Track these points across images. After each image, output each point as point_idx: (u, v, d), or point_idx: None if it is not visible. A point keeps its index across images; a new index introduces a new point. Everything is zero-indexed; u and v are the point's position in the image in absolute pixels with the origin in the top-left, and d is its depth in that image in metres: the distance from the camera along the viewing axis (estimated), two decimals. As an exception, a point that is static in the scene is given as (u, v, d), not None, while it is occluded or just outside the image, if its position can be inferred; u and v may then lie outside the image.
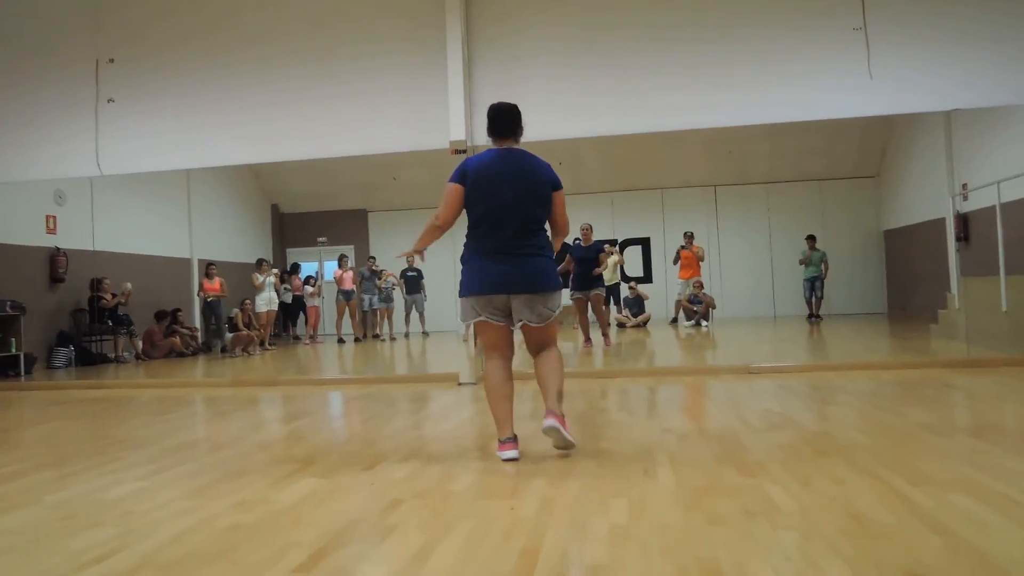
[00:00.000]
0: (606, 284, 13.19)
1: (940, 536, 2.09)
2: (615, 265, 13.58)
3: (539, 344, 3.45)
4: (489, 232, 3.31)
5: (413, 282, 13.37)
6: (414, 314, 13.53)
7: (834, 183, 14.71)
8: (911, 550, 2.00)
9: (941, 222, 11.21)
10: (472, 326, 3.65)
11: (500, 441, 3.31)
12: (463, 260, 3.44)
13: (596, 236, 9.50)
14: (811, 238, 13.20)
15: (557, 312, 3.41)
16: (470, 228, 3.40)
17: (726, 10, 6.46)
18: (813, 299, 12.99)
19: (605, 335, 9.16)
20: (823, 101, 6.33)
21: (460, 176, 3.35)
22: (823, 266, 13.03)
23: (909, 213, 12.96)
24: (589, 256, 8.83)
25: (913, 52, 6.17)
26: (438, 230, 3.41)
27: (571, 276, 8.86)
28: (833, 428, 3.72)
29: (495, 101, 3.54)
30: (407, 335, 13.67)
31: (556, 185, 3.39)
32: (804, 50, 6.33)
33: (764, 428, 3.78)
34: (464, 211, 3.38)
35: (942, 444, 3.27)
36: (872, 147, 14.17)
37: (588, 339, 9.02)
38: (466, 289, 3.38)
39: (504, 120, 3.42)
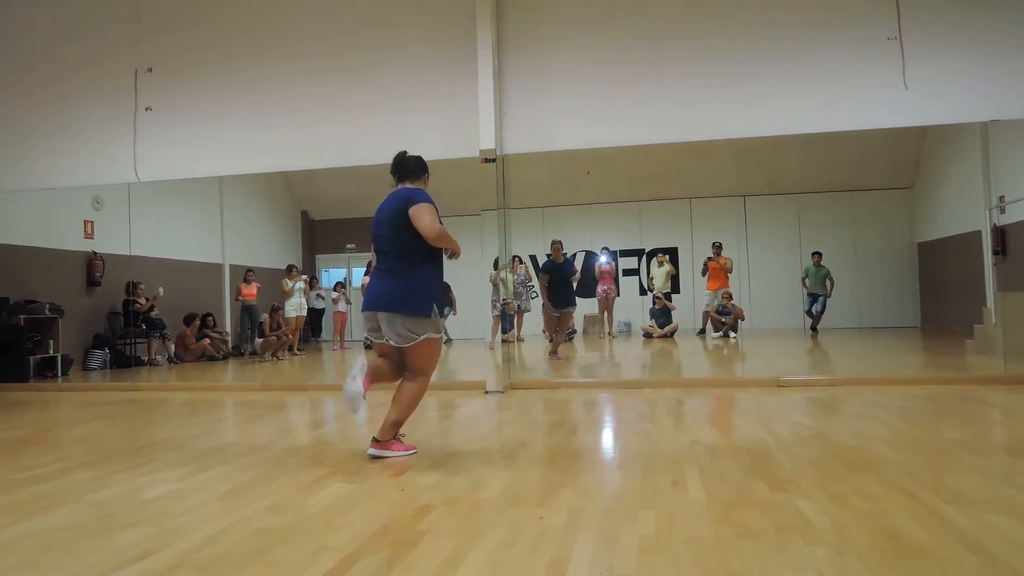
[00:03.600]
0: (661, 293, 13.26)
1: (976, 556, 2.06)
2: (667, 276, 13.57)
3: (408, 365, 3.69)
4: (377, 258, 3.73)
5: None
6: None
7: (866, 194, 14.52)
8: (947, 569, 1.97)
9: (977, 235, 11.01)
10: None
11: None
12: None
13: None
14: (816, 254, 13.06)
15: (420, 337, 3.56)
16: None
17: (757, 20, 6.44)
18: (813, 311, 12.87)
19: (556, 349, 9.22)
20: (857, 112, 6.27)
21: None
22: (828, 284, 12.88)
23: (944, 225, 12.75)
24: (561, 272, 9.02)
25: (949, 62, 6.09)
26: None
27: (549, 292, 8.99)
28: (865, 444, 3.67)
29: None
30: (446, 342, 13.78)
31: (410, 202, 3.56)
32: (837, 60, 6.28)
33: (795, 442, 3.75)
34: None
35: (977, 462, 3.21)
36: (906, 158, 13.97)
37: (555, 351, 9.12)
38: None
39: (396, 166, 3.80)
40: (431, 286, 3.63)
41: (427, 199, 3.57)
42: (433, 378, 3.84)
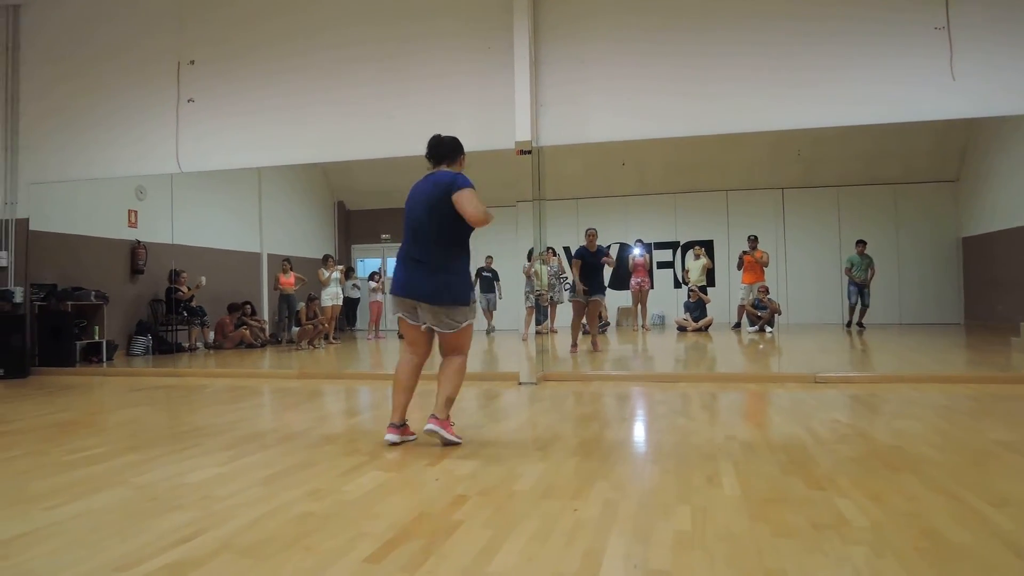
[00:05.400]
0: (696, 286, 13.17)
1: (1022, 560, 2.02)
2: (703, 269, 13.45)
3: (446, 349, 3.76)
4: (406, 241, 3.73)
5: (487, 282, 13.59)
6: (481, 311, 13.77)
7: (909, 187, 14.18)
8: (989, 572, 1.94)
9: (1025, 230, 10.70)
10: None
11: (389, 424, 3.76)
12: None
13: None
14: (861, 242, 12.79)
15: (463, 324, 3.66)
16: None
17: (802, 9, 6.32)
18: (860, 306, 12.59)
19: (595, 340, 9.20)
20: (902, 103, 6.12)
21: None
22: (869, 272, 12.63)
23: (990, 220, 12.40)
24: (594, 261, 8.94)
25: (998, 53, 5.91)
26: None
27: (580, 277, 8.95)
28: (905, 443, 3.61)
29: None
30: (487, 331, 13.90)
31: (453, 187, 3.56)
32: (883, 50, 6.13)
33: (832, 440, 3.70)
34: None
35: (1022, 464, 3.14)
36: (951, 150, 13.60)
37: (575, 344, 9.09)
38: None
39: (431, 148, 3.81)
40: (468, 275, 3.74)
41: (469, 183, 3.59)
42: (468, 369, 3.87)
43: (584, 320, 9.35)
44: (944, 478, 2.89)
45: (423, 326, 3.72)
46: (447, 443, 3.67)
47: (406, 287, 3.68)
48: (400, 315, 3.78)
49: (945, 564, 2.00)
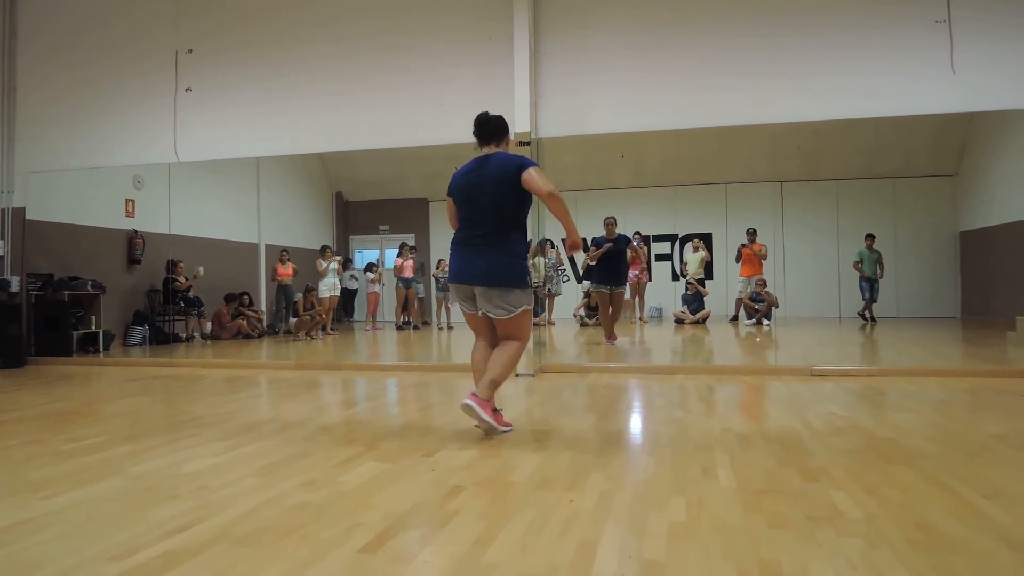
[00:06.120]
0: (694, 279, 13.16)
1: (1016, 552, 2.03)
2: (701, 261, 13.45)
3: (502, 335, 3.72)
4: (463, 227, 3.70)
5: None
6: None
7: (908, 181, 14.19)
8: (983, 564, 1.95)
9: (1022, 225, 10.71)
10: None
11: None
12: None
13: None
14: (870, 236, 12.78)
15: (518, 310, 3.60)
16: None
17: (802, 2, 6.30)
18: (871, 297, 12.61)
19: (610, 333, 8.97)
20: (902, 96, 6.12)
21: (448, 190, 3.81)
22: (879, 267, 12.64)
23: (988, 214, 12.42)
24: (614, 250, 8.74)
25: (999, 47, 5.90)
26: None
27: (595, 270, 8.79)
28: (900, 435, 3.62)
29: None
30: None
31: (522, 168, 3.54)
32: (883, 43, 6.12)
33: (827, 432, 3.71)
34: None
35: (1018, 457, 3.15)
36: (950, 144, 13.60)
37: (610, 335, 8.90)
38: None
39: (479, 127, 3.75)
40: (525, 259, 3.66)
41: (535, 162, 3.59)
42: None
43: (607, 311, 9.12)
44: (938, 471, 2.90)
45: (480, 312, 3.69)
46: (487, 428, 3.60)
47: (461, 272, 3.65)
48: (458, 304, 3.76)
49: (938, 556, 2.00)
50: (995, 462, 3.05)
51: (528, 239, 3.71)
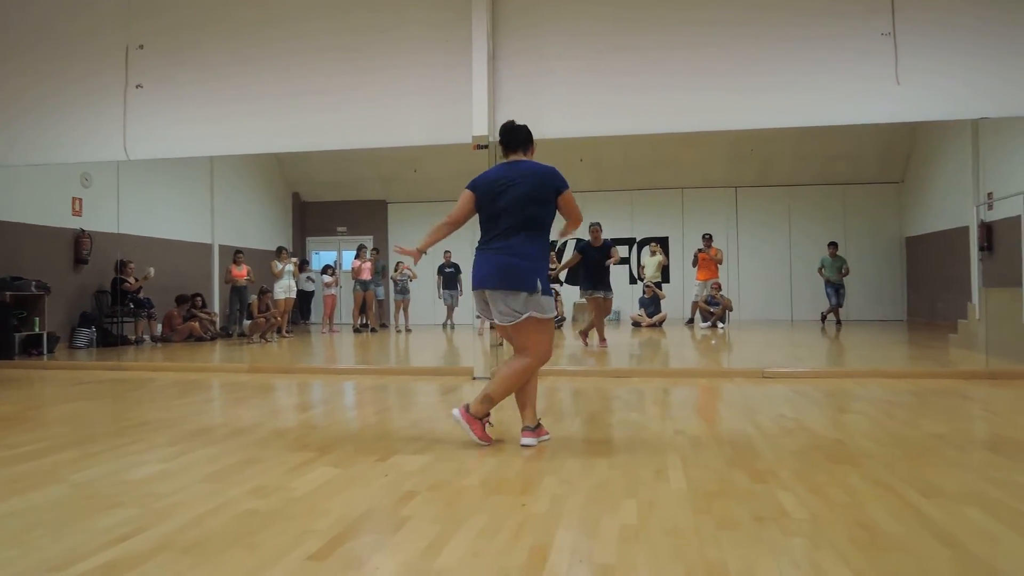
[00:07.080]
0: (651, 282, 13.29)
1: (950, 548, 2.10)
2: (658, 265, 13.59)
3: (514, 345, 3.59)
4: (484, 230, 3.62)
5: (450, 278, 13.54)
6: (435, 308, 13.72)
7: (857, 187, 14.60)
8: (920, 562, 2.01)
9: (965, 231, 11.10)
10: (485, 321, 3.84)
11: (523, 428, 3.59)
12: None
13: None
14: (832, 244, 13.08)
15: (522, 316, 3.44)
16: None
17: (753, 12, 6.43)
18: (835, 302, 12.89)
19: (602, 338, 9.16)
20: (849, 106, 6.29)
21: (473, 184, 3.65)
22: (843, 272, 12.95)
23: (932, 220, 12.85)
24: (600, 256, 8.86)
25: (942, 59, 6.11)
26: (447, 227, 3.66)
27: (580, 275, 8.90)
28: (846, 436, 3.72)
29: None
30: (452, 326, 13.92)
31: (561, 187, 3.55)
32: (831, 54, 6.29)
33: (777, 434, 3.79)
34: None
35: (956, 457, 3.26)
36: (897, 152, 14.04)
37: (603, 339, 9.05)
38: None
39: (506, 135, 3.70)
40: (539, 264, 3.50)
41: (567, 184, 3.59)
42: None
43: (600, 317, 9.17)
44: (881, 470, 2.98)
45: (490, 320, 3.64)
46: (474, 440, 3.55)
47: (474, 277, 3.59)
48: (476, 314, 3.73)
49: (878, 555, 2.06)
50: (935, 462, 3.16)
51: (548, 244, 3.63)
